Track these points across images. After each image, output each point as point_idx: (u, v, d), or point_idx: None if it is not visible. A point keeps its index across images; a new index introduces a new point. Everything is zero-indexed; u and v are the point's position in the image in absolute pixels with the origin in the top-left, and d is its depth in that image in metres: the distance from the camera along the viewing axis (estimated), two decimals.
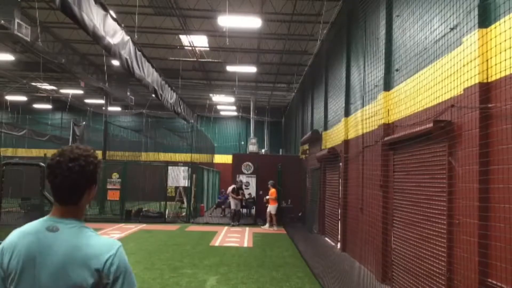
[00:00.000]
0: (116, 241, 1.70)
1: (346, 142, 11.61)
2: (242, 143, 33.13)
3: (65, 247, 1.59)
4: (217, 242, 13.10)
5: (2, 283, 1.62)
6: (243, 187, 19.29)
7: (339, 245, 12.13)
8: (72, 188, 1.66)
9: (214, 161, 32.18)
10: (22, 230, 1.67)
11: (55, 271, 1.56)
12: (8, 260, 1.60)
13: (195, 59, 20.38)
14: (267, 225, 16.65)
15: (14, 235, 1.66)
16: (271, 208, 16.68)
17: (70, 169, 1.63)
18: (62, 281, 1.55)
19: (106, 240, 1.67)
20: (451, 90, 5.69)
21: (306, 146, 19.60)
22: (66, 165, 1.63)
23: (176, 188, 22.54)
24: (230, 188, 20.97)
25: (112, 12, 8.50)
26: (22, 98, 29.30)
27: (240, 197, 17.78)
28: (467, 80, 5.20)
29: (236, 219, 17.71)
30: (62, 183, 1.64)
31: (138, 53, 10.52)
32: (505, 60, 4.51)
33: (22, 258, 1.59)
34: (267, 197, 16.82)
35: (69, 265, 1.56)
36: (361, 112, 10.10)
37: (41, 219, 1.69)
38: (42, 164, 10.36)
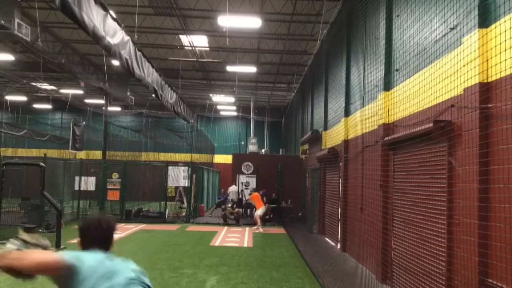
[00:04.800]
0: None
1: (346, 142, 11.61)
2: (242, 143, 33.13)
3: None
4: (217, 242, 13.10)
5: None
6: (243, 196, 19.56)
7: (339, 245, 12.13)
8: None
9: (214, 161, 32.19)
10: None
11: None
12: None
13: (195, 59, 20.38)
14: (256, 226, 16.47)
15: None
16: (259, 210, 16.62)
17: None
18: None
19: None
20: (451, 90, 5.69)
21: (306, 146, 19.60)
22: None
23: (176, 188, 22.55)
24: (230, 188, 21.00)
25: (112, 12, 8.50)
26: (22, 98, 29.30)
27: (235, 210, 18.04)
28: (467, 80, 5.20)
29: (236, 219, 17.75)
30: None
31: (138, 53, 10.52)
32: (505, 60, 4.51)
33: None
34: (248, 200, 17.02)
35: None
36: (361, 112, 10.10)
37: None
38: (42, 164, 10.38)
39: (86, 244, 2.23)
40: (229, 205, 18.52)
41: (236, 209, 18.11)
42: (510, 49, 4.43)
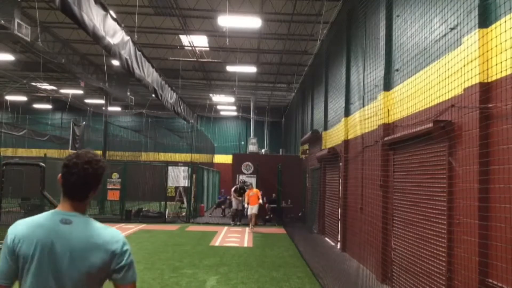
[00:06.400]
0: (119, 232, 2.04)
1: (346, 142, 11.61)
2: (242, 143, 33.13)
3: (82, 236, 1.90)
4: (217, 242, 13.10)
5: (15, 266, 1.89)
6: (246, 187, 19.24)
7: (339, 245, 12.13)
8: (83, 186, 1.96)
9: (214, 161, 32.18)
10: (32, 223, 1.94)
11: (74, 256, 1.86)
12: (24, 249, 1.87)
13: (195, 59, 20.38)
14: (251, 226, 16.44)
15: (24, 226, 1.94)
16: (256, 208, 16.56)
17: (85, 169, 1.95)
18: (80, 263, 1.87)
19: (114, 230, 2.02)
20: (451, 90, 5.69)
21: (306, 146, 19.60)
22: (82, 166, 1.95)
23: (176, 188, 22.54)
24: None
25: (112, 12, 8.49)
26: (22, 98, 29.30)
27: (241, 198, 17.75)
28: (467, 80, 5.20)
29: (238, 219, 17.72)
30: (76, 181, 1.95)
31: (138, 53, 10.51)
32: (505, 60, 4.51)
33: (39, 248, 1.86)
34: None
35: (87, 250, 1.88)
36: (361, 112, 10.10)
37: (48, 213, 1.96)
38: (42, 164, 10.36)
39: (64, 188, 1.96)
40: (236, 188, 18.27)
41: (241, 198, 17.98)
42: (510, 49, 4.43)
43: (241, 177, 19.98)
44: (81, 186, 1.95)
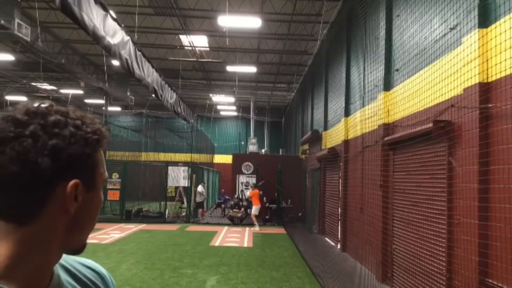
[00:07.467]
0: None
1: (346, 142, 11.61)
2: (242, 143, 33.12)
3: None
4: (217, 242, 13.10)
5: None
6: (243, 196, 19.56)
7: (339, 245, 12.13)
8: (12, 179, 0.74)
9: (214, 161, 32.18)
10: None
11: None
12: None
13: (195, 59, 20.38)
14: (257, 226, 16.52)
15: None
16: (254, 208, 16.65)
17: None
18: None
19: None
20: (451, 90, 5.69)
21: (306, 146, 19.60)
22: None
23: (176, 188, 22.54)
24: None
25: (112, 12, 8.49)
26: (22, 98, 29.30)
27: (240, 211, 18.16)
28: (467, 80, 5.20)
29: (236, 219, 17.76)
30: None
31: (138, 53, 10.51)
32: (505, 60, 4.51)
33: None
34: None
35: None
36: (361, 112, 10.11)
37: None
38: None
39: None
40: (231, 204, 18.48)
41: (242, 210, 18.24)
42: (510, 49, 4.43)
43: (237, 194, 20.25)
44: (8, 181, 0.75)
